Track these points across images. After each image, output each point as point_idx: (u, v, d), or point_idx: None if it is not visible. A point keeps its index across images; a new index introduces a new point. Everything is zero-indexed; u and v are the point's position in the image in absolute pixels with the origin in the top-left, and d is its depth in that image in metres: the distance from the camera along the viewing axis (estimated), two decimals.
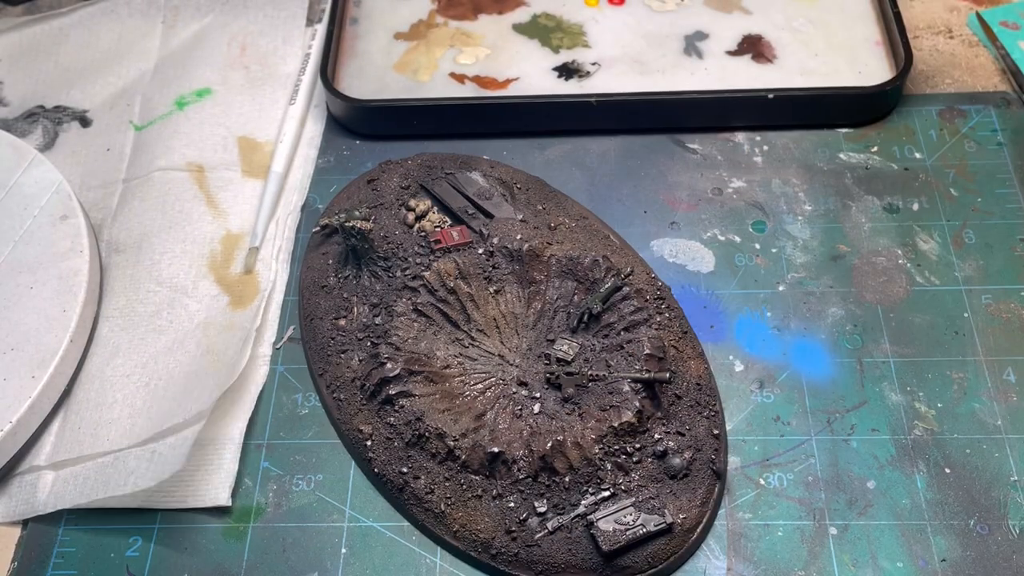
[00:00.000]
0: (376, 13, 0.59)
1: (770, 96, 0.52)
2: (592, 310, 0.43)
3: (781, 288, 0.47)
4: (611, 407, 0.40)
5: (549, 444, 0.39)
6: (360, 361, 0.43)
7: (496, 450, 0.39)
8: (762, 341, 0.45)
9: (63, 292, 0.45)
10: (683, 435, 0.41)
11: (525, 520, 0.39)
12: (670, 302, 0.45)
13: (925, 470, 0.41)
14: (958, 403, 0.43)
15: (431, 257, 0.45)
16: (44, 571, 0.40)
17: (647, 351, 0.41)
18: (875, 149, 0.52)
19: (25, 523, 0.42)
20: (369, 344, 0.43)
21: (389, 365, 0.41)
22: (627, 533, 0.38)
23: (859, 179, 0.51)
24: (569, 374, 0.41)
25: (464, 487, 0.40)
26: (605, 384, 0.41)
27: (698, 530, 0.39)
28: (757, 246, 0.49)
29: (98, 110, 0.56)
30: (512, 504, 0.39)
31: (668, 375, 0.40)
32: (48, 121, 0.56)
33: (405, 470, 0.41)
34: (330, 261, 0.47)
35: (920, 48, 0.56)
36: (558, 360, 0.42)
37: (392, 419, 0.41)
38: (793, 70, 0.54)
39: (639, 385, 0.40)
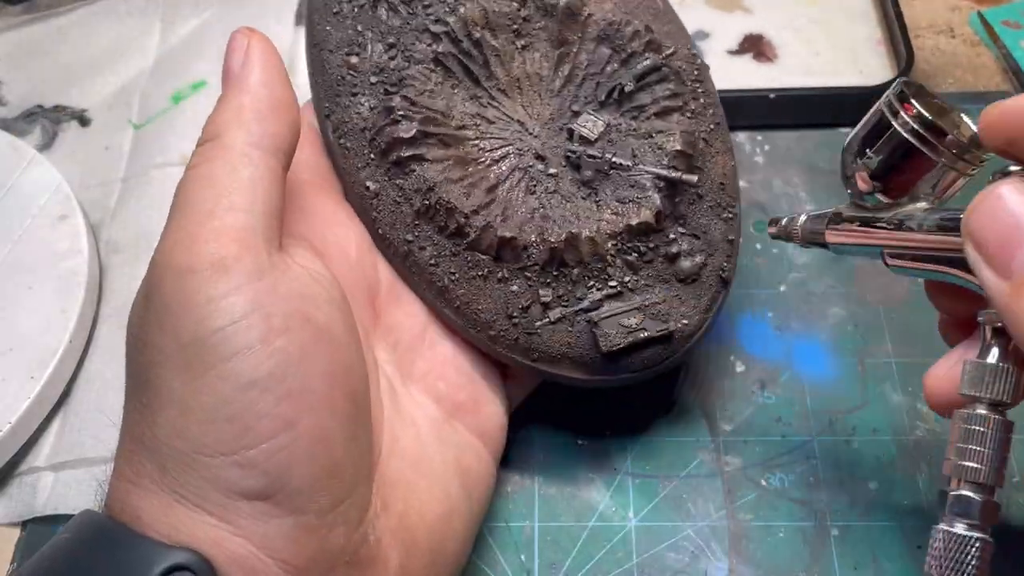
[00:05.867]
0: None
1: (771, 96, 0.52)
2: (624, 86, 0.39)
3: (783, 288, 0.47)
4: (630, 201, 0.38)
5: (563, 236, 0.37)
6: (371, 109, 0.39)
7: (508, 235, 0.37)
8: (763, 342, 0.45)
9: (62, 292, 0.45)
10: (698, 238, 0.39)
11: (528, 308, 0.37)
12: (708, 86, 0.41)
13: (927, 471, 0.41)
14: None
15: None
16: None
17: (678, 147, 0.38)
18: None
19: (24, 524, 0.42)
20: (383, 92, 0.39)
21: (404, 125, 0.38)
22: (628, 337, 0.37)
23: None
24: (591, 156, 0.38)
25: (470, 265, 0.38)
26: (627, 174, 0.38)
27: (695, 336, 0.39)
28: (758, 246, 0.49)
29: (97, 109, 0.56)
30: (516, 289, 0.37)
31: (696, 178, 0.38)
32: (47, 120, 0.56)
33: (411, 238, 0.38)
34: None
35: (922, 48, 0.56)
36: (581, 138, 0.39)
37: (401, 182, 0.38)
38: (794, 69, 0.54)
39: (662, 182, 0.38)
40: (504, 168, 0.39)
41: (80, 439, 0.43)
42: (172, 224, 0.30)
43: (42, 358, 0.43)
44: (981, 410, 0.28)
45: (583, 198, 0.39)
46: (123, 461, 0.29)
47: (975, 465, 0.28)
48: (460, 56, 0.39)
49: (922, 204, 0.31)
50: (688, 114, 0.40)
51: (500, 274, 0.37)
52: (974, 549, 0.28)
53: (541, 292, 0.37)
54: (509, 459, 0.42)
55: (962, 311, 0.33)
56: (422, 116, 0.38)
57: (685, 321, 0.38)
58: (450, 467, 0.36)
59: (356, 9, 0.40)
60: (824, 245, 0.35)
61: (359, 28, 0.40)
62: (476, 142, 0.39)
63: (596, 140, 0.39)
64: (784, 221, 0.37)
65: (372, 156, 0.39)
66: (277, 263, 0.30)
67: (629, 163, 0.38)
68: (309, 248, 0.34)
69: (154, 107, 0.55)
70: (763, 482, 0.41)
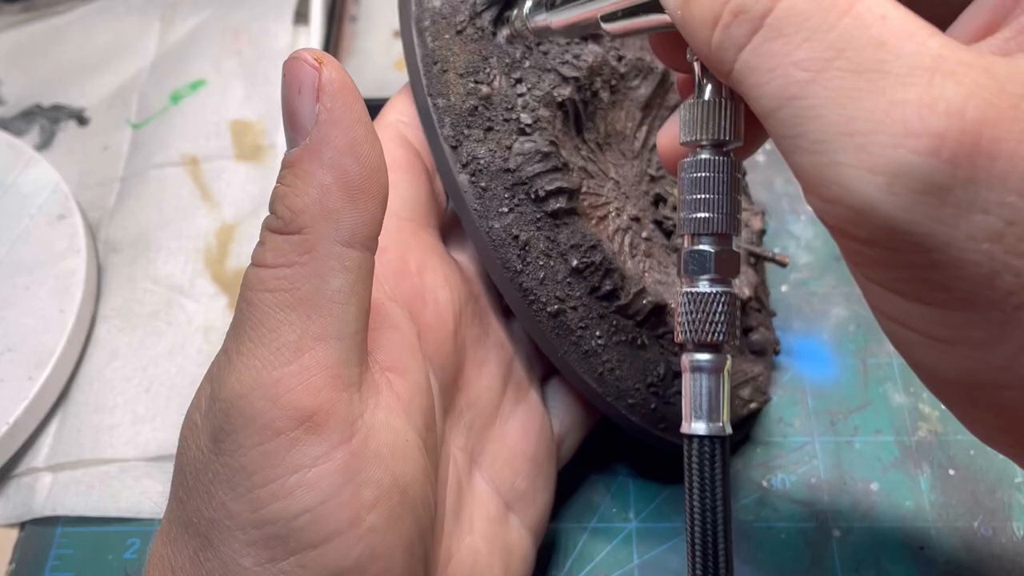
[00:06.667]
0: (376, 11, 0.59)
1: None
2: None
3: (784, 288, 0.47)
4: None
5: None
6: (508, 148, 0.35)
7: (661, 303, 0.36)
8: None
9: (60, 292, 0.45)
10: (759, 311, 0.41)
11: (663, 376, 0.37)
12: None
13: (929, 472, 0.41)
14: None
15: (579, 44, 0.38)
16: (41, 573, 0.40)
17: (761, 226, 0.40)
18: None
19: (22, 525, 0.41)
20: (517, 131, 0.35)
21: (565, 176, 0.35)
22: (744, 410, 0.39)
23: None
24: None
25: (615, 329, 0.36)
26: None
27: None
28: None
29: (95, 108, 0.56)
30: (650, 356, 0.36)
31: (788, 259, 0.39)
32: (45, 120, 0.55)
33: (561, 296, 0.35)
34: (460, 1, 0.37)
35: None
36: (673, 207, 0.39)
37: (553, 234, 0.35)
38: None
39: (753, 259, 0.39)
40: (611, 228, 0.37)
41: (78, 440, 0.43)
42: (246, 348, 0.25)
43: (40, 358, 0.43)
44: (704, 155, 0.25)
45: (675, 265, 0.39)
46: None
47: (705, 215, 0.25)
48: (580, 104, 0.37)
49: None
50: None
51: (640, 340, 0.36)
52: (719, 304, 0.25)
53: (672, 361, 0.37)
54: None
55: (685, 62, 0.29)
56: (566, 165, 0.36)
57: (772, 397, 0.40)
58: None
59: (478, 32, 0.36)
60: (552, 34, 0.33)
61: (483, 54, 0.36)
62: (588, 199, 0.37)
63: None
64: (513, 17, 0.34)
65: (518, 201, 0.35)
66: (367, 400, 0.26)
67: None
68: (393, 354, 0.29)
69: (153, 106, 0.55)
70: (764, 483, 0.41)
